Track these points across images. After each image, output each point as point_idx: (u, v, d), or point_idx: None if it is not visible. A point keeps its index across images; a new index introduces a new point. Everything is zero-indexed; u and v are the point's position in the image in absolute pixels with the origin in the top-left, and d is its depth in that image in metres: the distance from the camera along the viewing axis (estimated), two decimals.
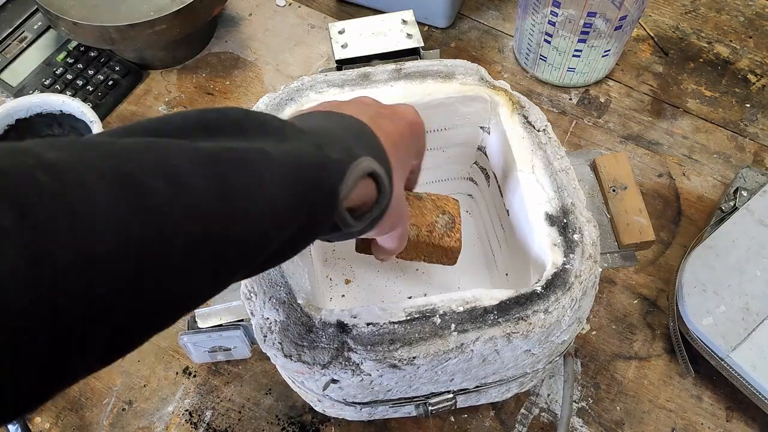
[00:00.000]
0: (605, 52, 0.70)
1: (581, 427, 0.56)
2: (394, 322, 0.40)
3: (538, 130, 0.49)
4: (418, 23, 0.58)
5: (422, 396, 0.47)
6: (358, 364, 0.40)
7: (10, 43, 0.75)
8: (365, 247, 0.50)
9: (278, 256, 0.31)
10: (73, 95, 0.72)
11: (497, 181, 0.54)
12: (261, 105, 0.50)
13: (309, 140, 0.30)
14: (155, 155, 0.24)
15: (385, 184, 0.34)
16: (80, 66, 0.75)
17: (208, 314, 0.47)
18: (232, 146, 0.27)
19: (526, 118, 0.49)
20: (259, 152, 0.27)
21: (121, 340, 0.23)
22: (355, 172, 0.31)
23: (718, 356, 0.54)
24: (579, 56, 0.70)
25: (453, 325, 0.40)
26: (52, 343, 0.19)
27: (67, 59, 0.75)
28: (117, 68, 0.75)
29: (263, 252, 0.28)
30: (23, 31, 0.76)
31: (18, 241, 0.18)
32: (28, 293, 0.18)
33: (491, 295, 0.41)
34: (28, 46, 0.76)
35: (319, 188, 0.30)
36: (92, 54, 0.75)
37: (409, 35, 0.56)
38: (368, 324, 0.40)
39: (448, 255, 0.51)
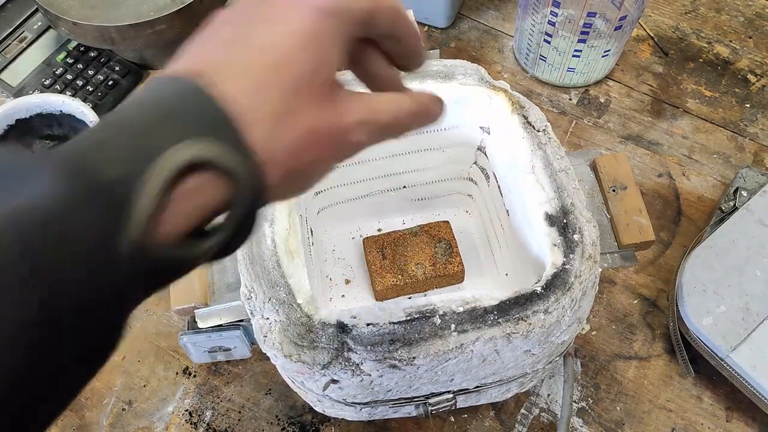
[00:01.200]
0: (605, 52, 0.70)
1: (581, 427, 0.56)
2: (394, 323, 0.40)
3: (538, 130, 0.49)
4: (418, 23, 0.58)
5: (422, 396, 0.47)
6: (358, 365, 0.40)
7: (10, 43, 0.75)
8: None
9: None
10: (73, 95, 0.72)
11: (497, 181, 0.54)
12: None
13: (53, 171, 0.19)
14: None
15: (231, 165, 0.21)
16: (80, 66, 0.75)
17: (208, 314, 0.47)
18: None
19: (525, 118, 0.49)
20: None
21: None
22: (156, 182, 0.19)
23: (718, 356, 0.54)
24: (579, 56, 0.70)
25: (453, 326, 0.40)
26: None
27: (67, 59, 0.75)
28: (117, 68, 0.75)
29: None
30: (23, 31, 0.76)
31: None
32: None
33: (491, 296, 0.41)
34: (28, 46, 0.76)
35: (62, 245, 0.18)
36: (92, 54, 0.75)
37: None
38: (368, 324, 0.40)
39: (456, 278, 0.56)
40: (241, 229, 0.23)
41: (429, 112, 0.29)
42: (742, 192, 0.61)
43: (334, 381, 0.42)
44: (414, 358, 0.40)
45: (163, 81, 0.22)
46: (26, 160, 0.19)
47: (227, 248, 0.23)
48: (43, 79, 0.73)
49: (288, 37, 0.23)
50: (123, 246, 0.19)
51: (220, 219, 0.22)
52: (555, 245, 0.43)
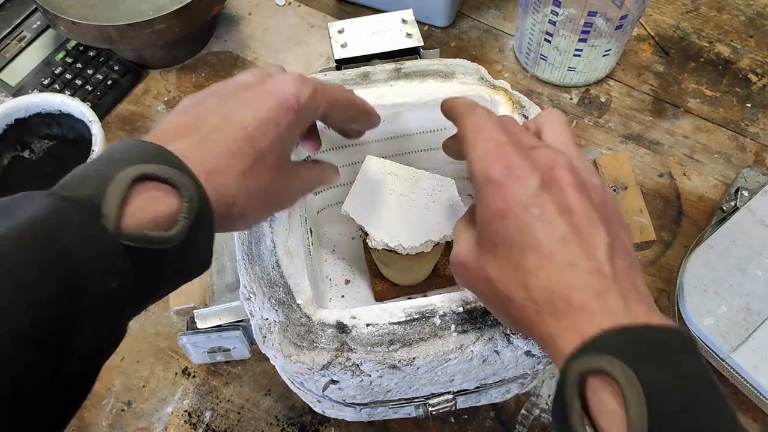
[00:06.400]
0: (606, 51, 0.70)
1: None
2: (394, 323, 0.40)
3: None
4: (418, 22, 0.58)
5: (422, 397, 0.46)
6: (357, 365, 0.40)
7: (9, 43, 0.75)
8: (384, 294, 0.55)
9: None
10: (72, 95, 0.72)
11: None
12: None
13: (40, 196, 0.26)
14: None
15: (175, 178, 0.28)
16: (79, 65, 0.74)
17: (207, 315, 0.47)
18: None
19: (526, 117, 0.49)
20: None
21: None
22: (115, 190, 0.27)
23: (719, 356, 0.53)
24: (579, 56, 0.70)
25: (453, 326, 0.40)
26: None
27: (66, 59, 0.75)
28: (116, 68, 0.75)
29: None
30: (22, 31, 0.76)
31: None
32: None
33: None
34: (27, 45, 0.75)
35: (52, 243, 0.25)
36: (91, 53, 0.75)
37: (408, 34, 0.56)
38: (368, 324, 0.40)
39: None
40: (198, 239, 0.29)
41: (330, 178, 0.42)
42: (744, 192, 0.61)
43: (333, 381, 0.41)
44: (414, 358, 0.39)
45: (127, 141, 0.30)
46: (20, 196, 0.26)
47: (190, 260, 0.30)
48: (42, 79, 0.73)
49: (258, 121, 0.32)
50: (106, 230, 0.26)
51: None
52: None
